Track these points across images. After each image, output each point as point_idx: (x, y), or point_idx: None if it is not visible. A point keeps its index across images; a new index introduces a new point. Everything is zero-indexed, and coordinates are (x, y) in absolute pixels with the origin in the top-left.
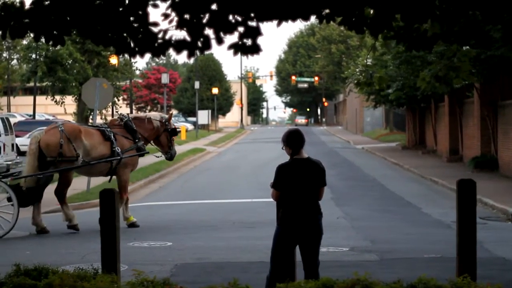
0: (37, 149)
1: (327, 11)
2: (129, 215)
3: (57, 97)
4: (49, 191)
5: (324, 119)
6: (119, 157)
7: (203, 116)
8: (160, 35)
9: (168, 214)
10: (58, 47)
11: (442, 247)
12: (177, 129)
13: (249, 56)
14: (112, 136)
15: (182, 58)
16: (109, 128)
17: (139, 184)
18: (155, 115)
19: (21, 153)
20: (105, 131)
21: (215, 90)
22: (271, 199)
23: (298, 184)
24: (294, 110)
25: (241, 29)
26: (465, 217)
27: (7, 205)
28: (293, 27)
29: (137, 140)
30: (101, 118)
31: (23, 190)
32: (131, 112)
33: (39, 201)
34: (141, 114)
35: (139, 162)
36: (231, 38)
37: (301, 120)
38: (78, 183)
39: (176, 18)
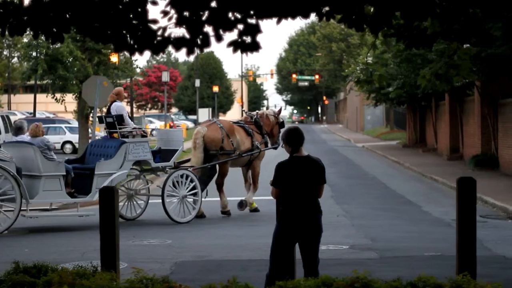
0: (202, 143)
1: (327, 8)
2: (252, 201)
3: (58, 95)
4: None
5: (324, 117)
6: (259, 150)
7: (204, 114)
8: (159, 33)
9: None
10: (59, 45)
11: (442, 245)
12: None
13: (249, 53)
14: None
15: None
16: (246, 125)
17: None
18: (269, 111)
19: None
20: (246, 127)
21: (215, 88)
22: (271, 197)
23: (298, 182)
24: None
25: (240, 26)
26: (465, 215)
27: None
28: (294, 25)
29: (265, 135)
30: None
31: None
32: (132, 110)
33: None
34: (259, 111)
35: None
36: (231, 36)
37: (296, 116)
38: None
39: (175, 16)
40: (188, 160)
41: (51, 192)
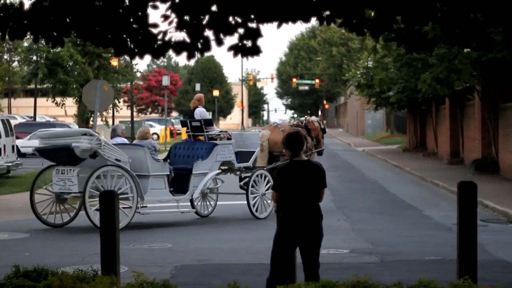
0: (267, 145)
1: (327, 13)
2: None
3: (58, 99)
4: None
5: (325, 122)
6: (311, 152)
7: None
8: (159, 37)
9: (168, 216)
10: (59, 49)
11: (443, 250)
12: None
13: (249, 57)
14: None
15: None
16: (299, 129)
17: None
18: (314, 118)
19: (21, 155)
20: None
21: (216, 93)
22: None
23: (298, 186)
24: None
25: (241, 30)
26: (466, 219)
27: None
28: (294, 30)
29: (313, 138)
30: (101, 120)
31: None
32: (132, 115)
33: None
34: (306, 117)
35: None
36: (231, 40)
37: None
38: None
39: (175, 20)
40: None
41: (157, 190)
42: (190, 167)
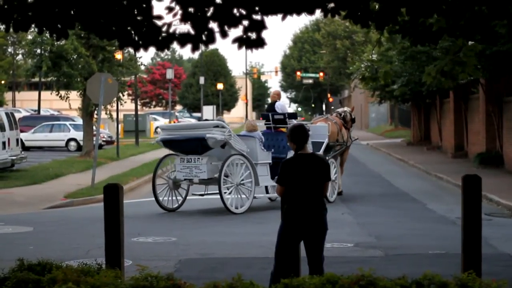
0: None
1: (332, 5)
2: (341, 184)
3: (62, 92)
4: (52, 187)
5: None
6: (351, 142)
7: (208, 112)
8: (164, 29)
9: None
10: (63, 42)
11: (447, 243)
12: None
13: (254, 50)
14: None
15: (187, 53)
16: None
17: (144, 179)
18: (346, 109)
19: (25, 148)
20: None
21: (220, 86)
22: (276, 195)
23: (303, 179)
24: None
25: (245, 22)
26: (470, 213)
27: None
28: (298, 23)
29: (349, 129)
30: (105, 114)
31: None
32: (136, 108)
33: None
34: (341, 109)
35: (145, 158)
36: (236, 32)
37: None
38: (83, 179)
39: (180, 12)
40: None
41: (262, 177)
42: (285, 155)
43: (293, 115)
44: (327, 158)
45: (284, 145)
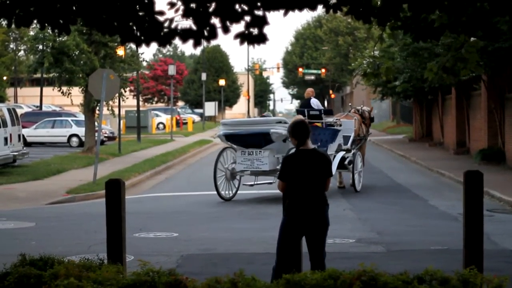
0: None
1: (334, 0)
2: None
3: (64, 88)
4: (54, 182)
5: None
6: (366, 138)
7: (210, 108)
8: (166, 24)
9: (175, 205)
10: (65, 38)
11: (449, 239)
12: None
13: (256, 45)
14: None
15: (189, 49)
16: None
17: (146, 175)
18: (365, 107)
19: (27, 144)
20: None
21: (222, 82)
22: (278, 190)
23: (304, 175)
24: None
25: (247, 18)
26: (472, 209)
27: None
28: (300, 19)
29: (368, 126)
30: (107, 110)
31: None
32: (138, 105)
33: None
34: (361, 107)
35: (146, 154)
36: (238, 27)
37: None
38: (85, 174)
39: (182, 7)
40: None
41: None
42: (325, 148)
43: (329, 111)
44: (353, 149)
45: (326, 139)
